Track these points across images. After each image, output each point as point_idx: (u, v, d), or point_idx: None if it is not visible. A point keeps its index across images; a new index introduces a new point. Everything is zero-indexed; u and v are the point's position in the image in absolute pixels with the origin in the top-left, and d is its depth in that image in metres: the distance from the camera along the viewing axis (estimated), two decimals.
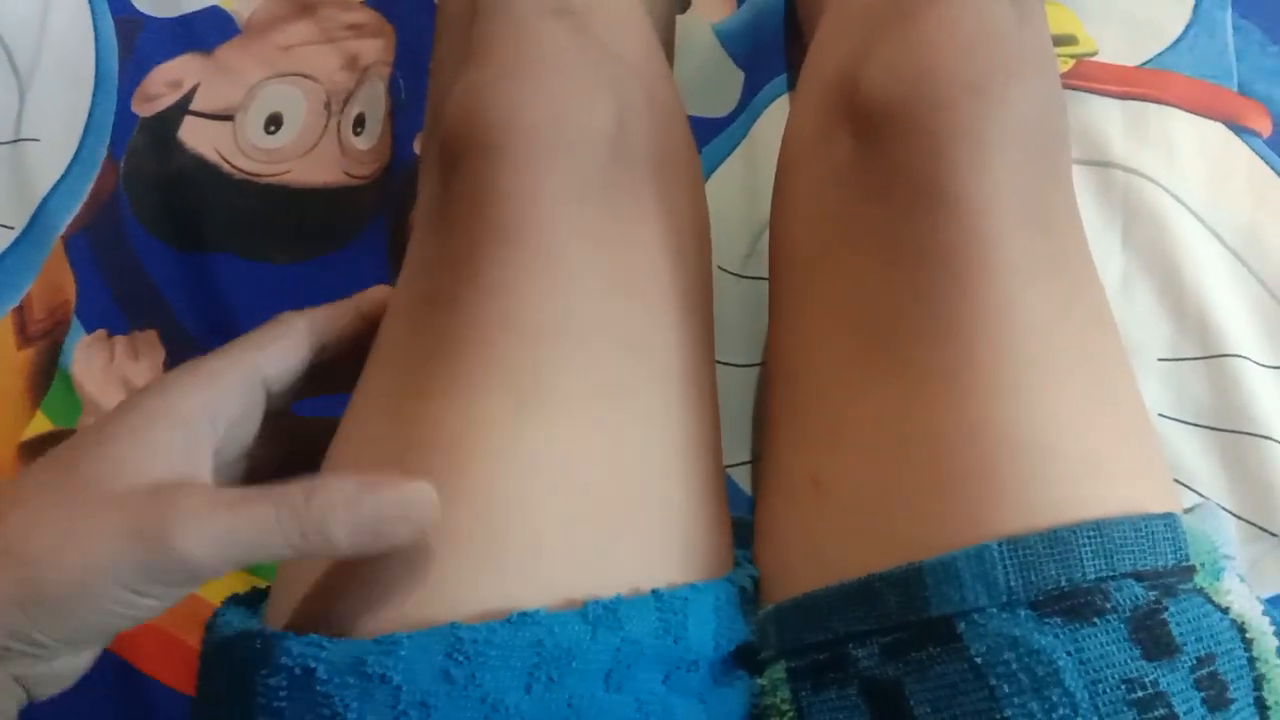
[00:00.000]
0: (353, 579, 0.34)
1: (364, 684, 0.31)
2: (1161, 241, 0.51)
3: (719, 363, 0.43)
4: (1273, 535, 0.47)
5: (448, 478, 0.34)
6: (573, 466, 0.35)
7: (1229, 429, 0.48)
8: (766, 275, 0.52)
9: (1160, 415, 0.49)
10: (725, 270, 0.53)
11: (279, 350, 0.37)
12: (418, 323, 0.38)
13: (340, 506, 0.31)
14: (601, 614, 0.33)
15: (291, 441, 0.39)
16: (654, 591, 0.35)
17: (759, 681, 0.38)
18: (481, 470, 0.34)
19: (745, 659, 0.38)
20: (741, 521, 0.41)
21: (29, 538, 0.30)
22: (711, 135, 0.56)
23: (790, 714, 0.36)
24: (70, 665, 0.32)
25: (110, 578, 0.30)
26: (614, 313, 0.38)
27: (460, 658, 0.31)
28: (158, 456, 0.32)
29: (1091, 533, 0.33)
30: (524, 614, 0.32)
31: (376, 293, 0.40)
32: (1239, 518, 0.48)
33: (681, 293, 0.40)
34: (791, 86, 0.56)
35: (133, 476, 0.31)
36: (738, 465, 0.49)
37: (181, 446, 0.33)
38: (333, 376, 0.39)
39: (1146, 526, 0.33)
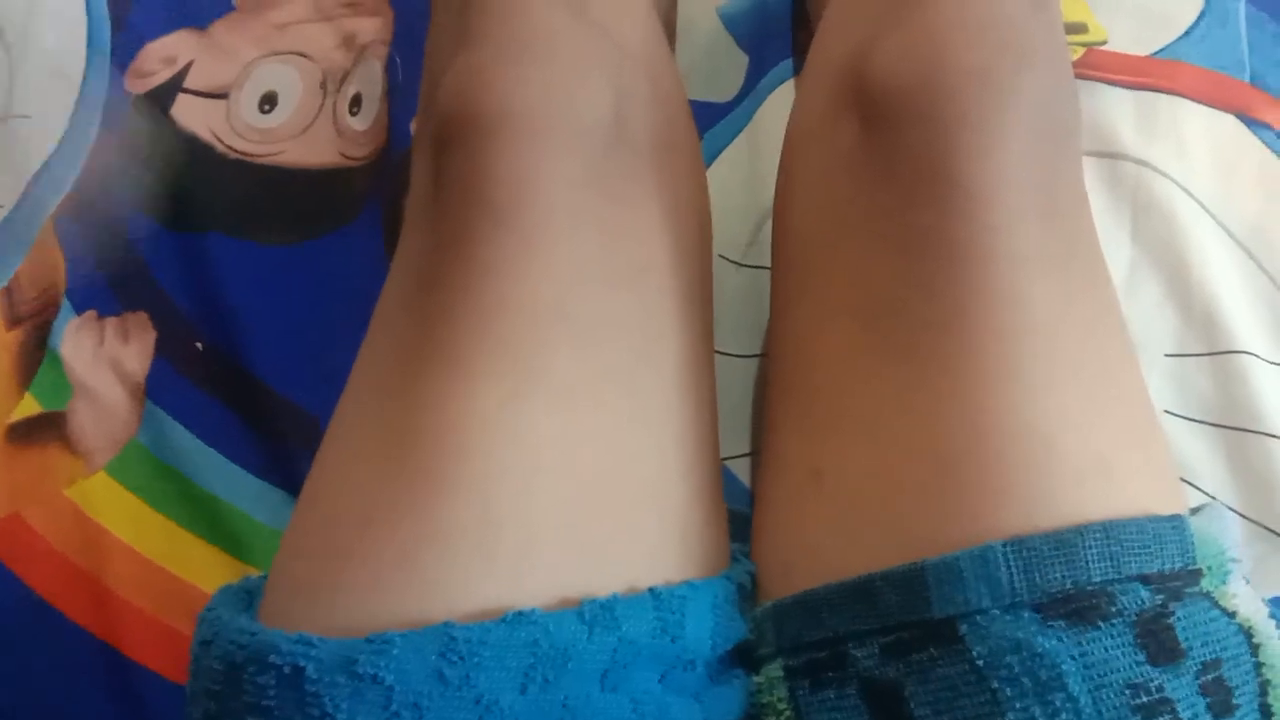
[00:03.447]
0: (344, 572, 0.33)
1: (355, 684, 0.31)
2: (1170, 235, 0.51)
3: (718, 353, 0.43)
4: (1278, 535, 0.47)
5: (440, 467, 0.33)
6: (568, 456, 0.34)
7: (1235, 426, 0.48)
8: (768, 264, 0.51)
9: (1165, 412, 0.48)
10: (726, 259, 0.52)
11: None
12: (410, 305, 0.37)
13: None
14: (598, 613, 0.33)
15: None
16: (651, 590, 0.34)
17: (755, 680, 0.37)
18: (475, 459, 0.34)
19: (742, 657, 0.38)
20: (739, 514, 0.41)
21: None
22: (714, 121, 0.55)
23: (787, 713, 0.35)
24: None
25: None
26: (612, 300, 0.37)
27: (454, 658, 0.31)
28: None
29: (1098, 535, 0.32)
30: (519, 613, 0.32)
31: None
32: (1244, 517, 0.47)
33: (682, 281, 0.40)
34: (797, 71, 0.55)
35: None
36: (736, 458, 0.48)
37: None
38: None
39: (1154, 529, 0.33)
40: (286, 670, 0.31)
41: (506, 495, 0.33)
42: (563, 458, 0.34)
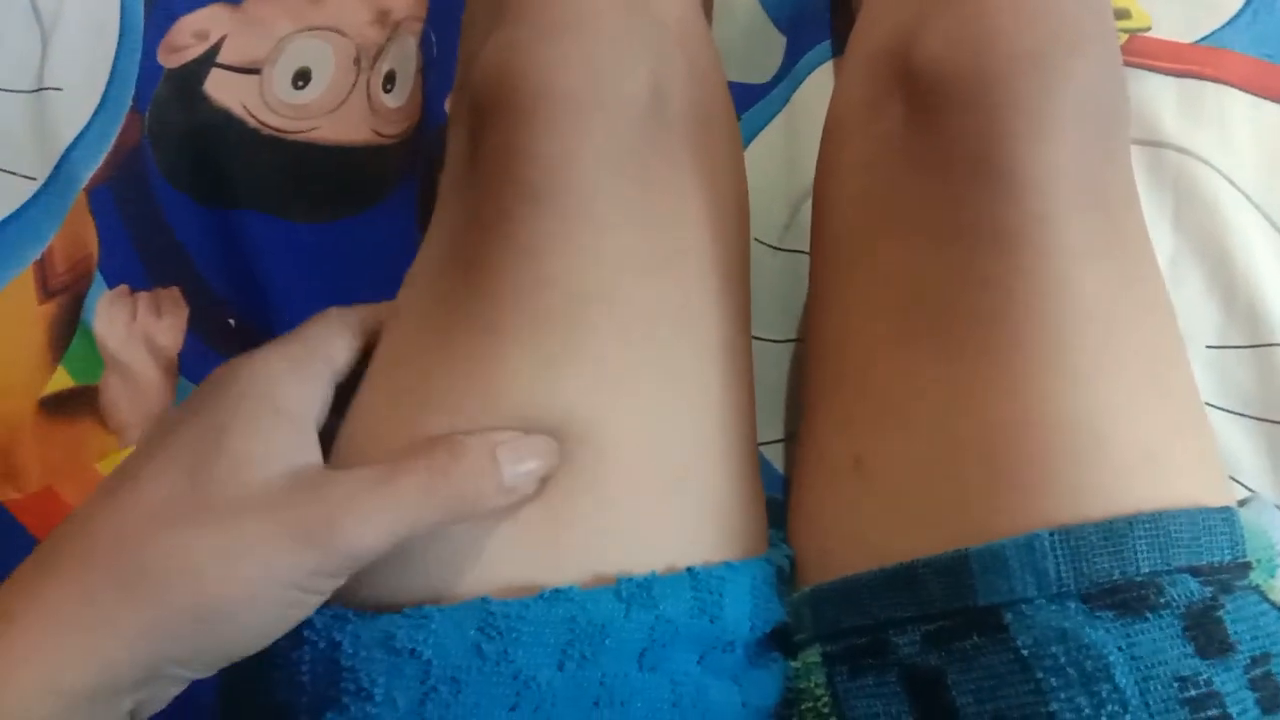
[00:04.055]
0: None
1: (392, 659, 0.31)
2: (1213, 225, 0.50)
3: (753, 338, 0.42)
4: None
5: (472, 426, 0.33)
6: (604, 433, 0.34)
7: (1277, 420, 0.47)
8: (805, 248, 0.51)
9: (1206, 404, 0.48)
10: (762, 242, 0.51)
11: (341, 343, 0.36)
12: (447, 275, 0.37)
13: (487, 470, 0.31)
14: (635, 591, 0.32)
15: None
16: (689, 570, 0.34)
17: (792, 665, 0.37)
18: (508, 420, 0.33)
19: (779, 641, 0.37)
20: (772, 500, 0.41)
21: (188, 553, 0.28)
22: (751, 102, 0.54)
23: (824, 699, 0.35)
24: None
25: (286, 581, 0.29)
26: (650, 282, 0.37)
27: (492, 633, 0.31)
28: (275, 451, 0.31)
29: (1147, 525, 0.32)
30: (557, 590, 0.32)
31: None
32: None
33: (720, 264, 0.39)
34: (836, 54, 0.54)
35: (262, 473, 0.30)
36: (770, 443, 0.48)
37: (293, 438, 0.32)
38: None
39: (1204, 520, 0.32)
40: (322, 645, 0.31)
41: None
42: (597, 433, 0.34)
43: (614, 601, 0.32)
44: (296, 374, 0.33)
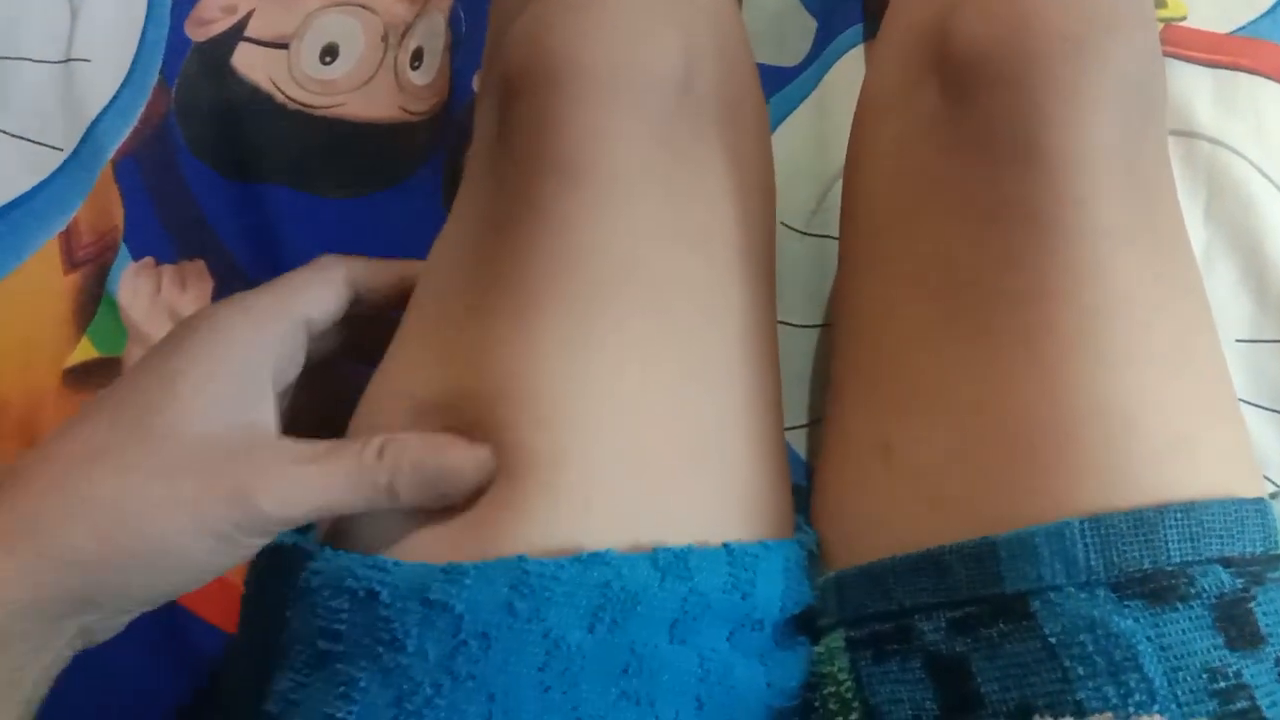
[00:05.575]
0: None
1: (426, 611, 0.31)
2: (1246, 217, 0.49)
3: (778, 323, 0.42)
4: None
5: (506, 402, 0.34)
6: (633, 405, 0.34)
7: None
8: (832, 233, 0.50)
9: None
10: (789, 227, 0.51)
11: (319, 293, 0.36)
12: (475, 247, 0.37)
13: (408, 466, 0.33)
14: (672, 561, 0.32)
15: (329, 392, 0.38)
16: (726, 545, 0.34)
17: (815, 649, 0.37)
18: (542, 396, 0.34)
19: (804, 625, 0.37)
20: (796, 486, 0.40)
21: (123, 495, 0.30)
22: (780, 85, 0.54)
23: (847, 683, 0.35)
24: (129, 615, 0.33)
25: (210, 534, 0.31)
26: (678, 259, 0.36)
27: (525, 591, 0.31)
28: (224, 406, 0.32)
29: (1179, 515, 0.32)
30: (594, 554, 0.32)
31: (418, 266, 0.40)
32: None
33: (746, 245, 0.39)
34: (868, 37, 0.54)
35: (205, 425, 0.32)
36: (794, 429, 0.48)
37: (246, 394, 0.33)
38: (361, 342, 0.39)
39: (1236, 511, 0.32)
40: (361, 594, 0.32)
41: (573, 431, 0.33)
42: (627, 404, 0.34)
43: (650, 569, 0.32)
44: (256, 327, 0.34)
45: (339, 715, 0.31)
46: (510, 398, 0.34)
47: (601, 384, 0.34)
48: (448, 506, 0.33)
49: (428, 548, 0.33)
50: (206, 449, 0.31)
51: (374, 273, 0.38)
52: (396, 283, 0.39)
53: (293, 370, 0.36)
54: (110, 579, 0.30)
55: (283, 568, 0.34)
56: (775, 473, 0.38)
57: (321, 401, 0.38)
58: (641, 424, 0.34)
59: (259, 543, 0.32)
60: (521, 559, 0.31)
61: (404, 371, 0.37)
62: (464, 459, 0.33)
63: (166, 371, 0.32)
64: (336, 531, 0.35)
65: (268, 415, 0.33)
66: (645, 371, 0.35)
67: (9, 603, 0.29)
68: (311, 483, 0.32)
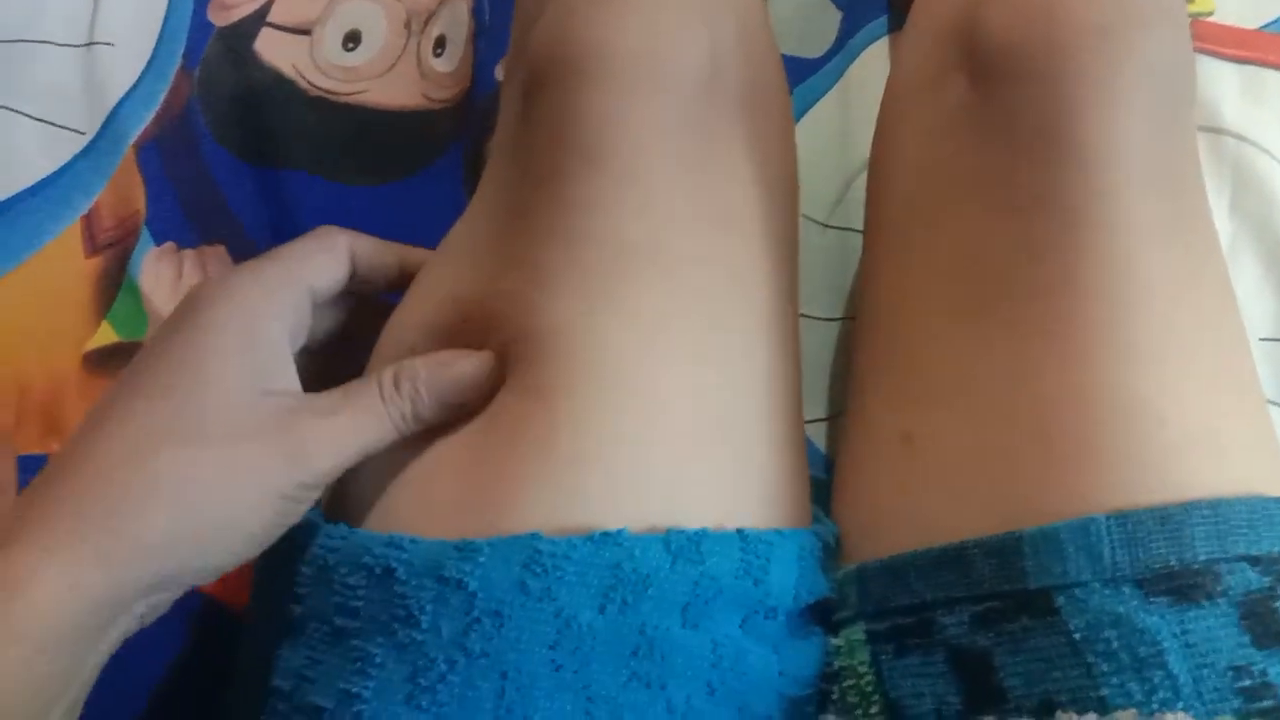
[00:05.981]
0: (419, 478, 0.35)
1: (440, 588, 0.31)
2: (1270, 214, 0.49)
3: (800, 315, 0.42)
4: None
5: (518, 372, 0.34)
6: (648, 385, 0.34)
7: None
8: (855, 225, 0.50)
9: None
10: (811, 219, 0.51)
11: (323, 261, 0.37)
12: (495, 225, 0.37)
13: (423, 389, 0.35)
14: (685, 544, 0.32)
15: (329, 361, 0.39)
16: (739, 530, 0.34)
17: (835, 642, 0.37)
18: (554, 368, 0.34)
19: (821, 617, 0.37)
20: (816, 479, 0.40)
21: (193, 469, 0.31)
22: (804, 76, 0.54)
23: (868, 677, 0.35)
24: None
25: (276, 496, 0.32)
26: (696, 241, 0.37)
27: (538, 569, 0.31)
28: (258, 373, 0.33)
29: (1205, 512, 0.31)
30: (606, 533, 0.32)
31: (420, 254, 0.40)
32: None
33: (769, 235, 0.39)
34: (893, 29, 0.54)
35: (248, 394, 0.33)
36: (815, 421, 0.48)
37: (276, 360, 0.34)
38: (355, 326, 0.40)
39: (1263, 509, 0.32)
40: (378, 571, 0.32)
41: (586, 407, 0.33)
42: (642, 383, 0.34)
43: (662, 552, 0.32)
44: (269, 294, 0.35)
45: (355, 690, 0.31)
46: (518, 368, 0.34)
47: (618, 361, 0.34)
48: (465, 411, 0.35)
49: (445, 520, 0.33)
50: (257, 416, 0.32)
51: (375, 251, 0.39)
52: (397, 264, 0.39)
53: (301, 336, 0.36)
54: (181, 557, 0.31)
55: (294, 541, 0.34)
56: (793, 461, 0.38)
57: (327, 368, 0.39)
58: (658, 404, 0.34)
59: (315, 493, 0.33)
60: (534, 536, 0.31)
61: (412, 339, 0.37)
62: (470, 367, 0.35)
63: (198, 346, 0.33)
64: (344, 507, 0.36)
65: (293, 378, 0.34)
66: (663, 352, 0.35)
67: (87, 597, 0.29)
68: (346, 430, 0.33)
